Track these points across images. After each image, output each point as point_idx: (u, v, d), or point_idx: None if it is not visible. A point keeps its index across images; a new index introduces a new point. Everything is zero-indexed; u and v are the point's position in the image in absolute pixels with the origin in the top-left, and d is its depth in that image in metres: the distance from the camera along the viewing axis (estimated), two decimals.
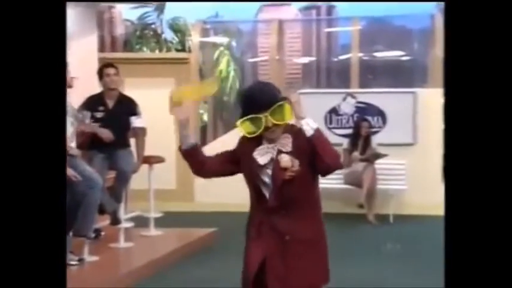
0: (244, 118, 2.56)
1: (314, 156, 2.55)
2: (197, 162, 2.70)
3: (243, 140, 2.69)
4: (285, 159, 2.56)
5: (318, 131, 2.56)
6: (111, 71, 5.58)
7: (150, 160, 6.14)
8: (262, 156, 2.61)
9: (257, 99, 2.55)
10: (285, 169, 2.56)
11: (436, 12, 8.93)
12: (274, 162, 2.60)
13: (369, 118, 8.15)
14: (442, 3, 6.46)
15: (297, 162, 2.56)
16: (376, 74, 11.62)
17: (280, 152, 2.59)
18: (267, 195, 2.64)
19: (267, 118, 2.53)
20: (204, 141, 9.56)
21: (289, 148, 2.59)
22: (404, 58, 11.47)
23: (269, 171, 2.61)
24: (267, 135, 2.60)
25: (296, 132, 2.61)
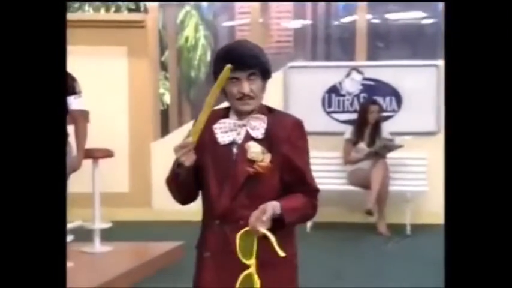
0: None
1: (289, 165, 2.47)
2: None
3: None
4: (254, 150, 2.45)
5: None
6: None
7: (95, 154, 6.12)
8: (223, 132, 2.51)
9: (236, 55, 2.44)
10: (252, 162, 2.44)
11: None
12: (239, 147, 2.49)
13: (379, 99, 8.21)
14: None
15: (268, 157, 2.46)
16: (388, 42, 11.68)
17: (248, 136, 2.49)
18: (219, 195, 2.48)
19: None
20: (166, 129, 9.54)
21: (259, 134, 2.49)
22: (424, 21, 11.53)
23: (228, 157, 2.49)
24: (239, 106, 2.49)
25: (274, 116, 2.52)
